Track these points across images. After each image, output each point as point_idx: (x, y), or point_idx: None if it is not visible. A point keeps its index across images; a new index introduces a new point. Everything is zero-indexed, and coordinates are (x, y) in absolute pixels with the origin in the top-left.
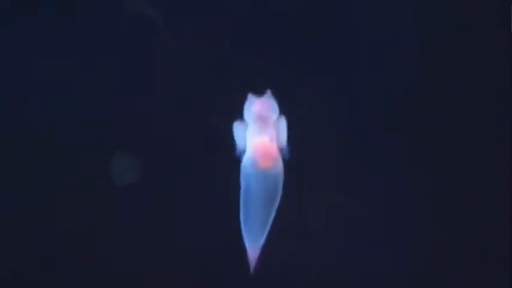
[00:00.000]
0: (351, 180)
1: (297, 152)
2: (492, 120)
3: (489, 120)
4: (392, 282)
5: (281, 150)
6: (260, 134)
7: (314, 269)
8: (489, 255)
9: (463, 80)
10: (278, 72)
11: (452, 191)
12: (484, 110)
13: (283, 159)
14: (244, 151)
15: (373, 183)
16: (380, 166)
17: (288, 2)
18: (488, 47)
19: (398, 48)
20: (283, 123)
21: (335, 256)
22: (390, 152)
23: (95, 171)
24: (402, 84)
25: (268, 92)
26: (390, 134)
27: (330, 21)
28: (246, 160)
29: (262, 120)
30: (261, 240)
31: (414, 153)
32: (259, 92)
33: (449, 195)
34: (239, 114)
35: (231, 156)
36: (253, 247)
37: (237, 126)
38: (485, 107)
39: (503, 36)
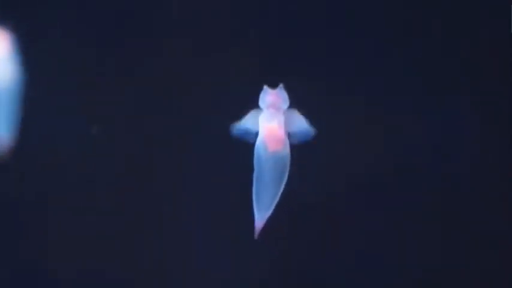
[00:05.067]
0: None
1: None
2: (492, 121)
3: (489, 121)
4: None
5: (289, 135)
6: (270, 120)
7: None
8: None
9: (463, 80)
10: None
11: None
12: (484, 110)
13: (291, 143)
14: (257, 135)
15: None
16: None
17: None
18: (488, 47)
19: (397, 48)
20: (292, 113)
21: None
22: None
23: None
24: (402, 84)
25: (281, 85)
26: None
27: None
28: (258, 143)
29: (273, 108)
30: (268, 212)
31: (414, 155)
32: (273, 86)
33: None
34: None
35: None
36: (260, 218)
37: (253, 113)
38: (485, 107)
39: (503, 36)
